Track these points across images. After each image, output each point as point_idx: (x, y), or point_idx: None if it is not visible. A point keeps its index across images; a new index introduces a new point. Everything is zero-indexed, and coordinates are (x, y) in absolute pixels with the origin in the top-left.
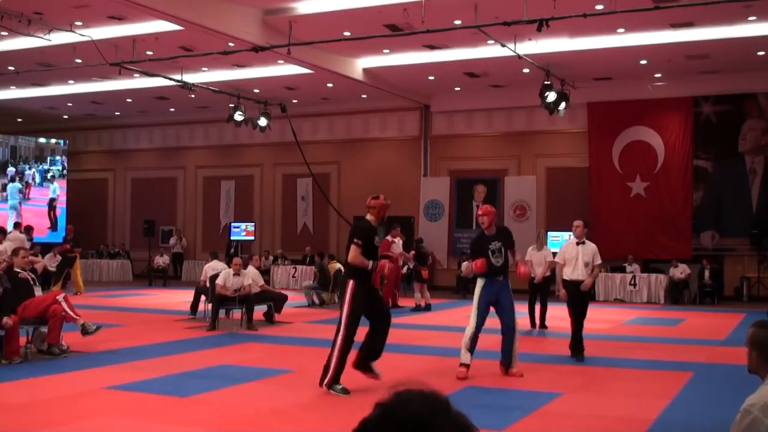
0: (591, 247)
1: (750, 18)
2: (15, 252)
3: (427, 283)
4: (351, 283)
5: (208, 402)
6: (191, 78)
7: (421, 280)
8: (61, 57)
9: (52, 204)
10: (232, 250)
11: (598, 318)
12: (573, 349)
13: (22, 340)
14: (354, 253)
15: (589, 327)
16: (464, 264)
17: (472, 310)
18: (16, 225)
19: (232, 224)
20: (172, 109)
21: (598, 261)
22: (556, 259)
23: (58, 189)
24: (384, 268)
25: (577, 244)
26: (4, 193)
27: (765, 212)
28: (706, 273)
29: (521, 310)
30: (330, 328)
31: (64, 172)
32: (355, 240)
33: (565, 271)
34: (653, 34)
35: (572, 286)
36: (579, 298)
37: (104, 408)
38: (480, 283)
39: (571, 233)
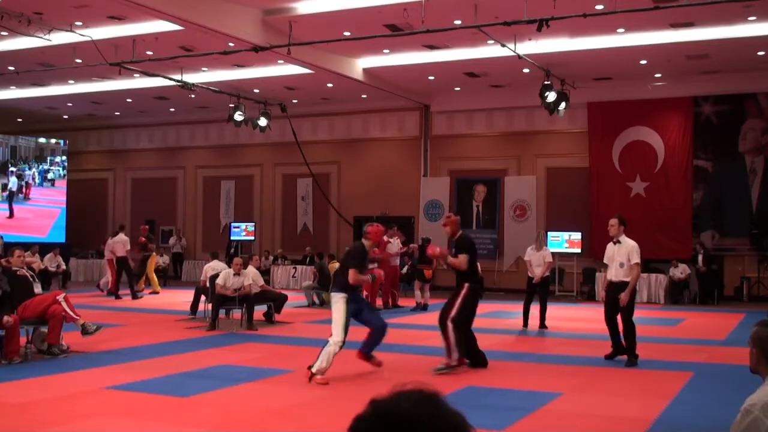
0: (626, 246)
1: (750, 18)
2: (11, 252)
3: (429, 283)
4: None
5: (208, 402)
6: (191, 78)
7: (423, 280)
8: (61, 57)
9: (10, 198)
10: (233, 251)
11: (598, 318)
12: (613, 352)
13: (22, 340)
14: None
15: (590, 327)
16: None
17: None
18: (122, 227)
19: (232, 224)
20: (172, 109)
21: (634, 260)
22: (605, 261)
23: (15, 180)
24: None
25: (614, 243)
26: (4, 194)
27: (765, 212)
28: (700, 257)
29: (517, 309)
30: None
31: (64, 172)
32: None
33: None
34: (653, 34)
35: (609, 288)
36: (613, 302)
37: (104, 408)
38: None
39: (570, 233)
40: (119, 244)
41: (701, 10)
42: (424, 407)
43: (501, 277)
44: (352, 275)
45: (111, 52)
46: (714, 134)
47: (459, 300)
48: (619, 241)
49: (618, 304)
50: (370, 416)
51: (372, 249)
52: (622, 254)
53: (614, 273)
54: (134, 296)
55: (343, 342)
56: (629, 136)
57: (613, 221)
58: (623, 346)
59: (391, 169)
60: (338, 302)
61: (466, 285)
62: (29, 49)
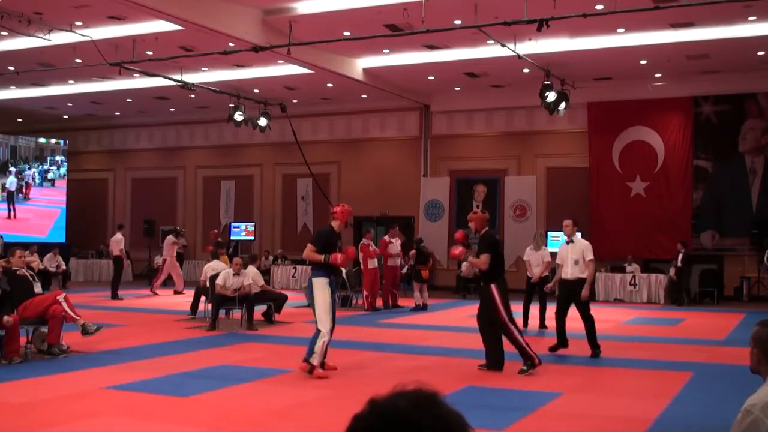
0: (580, 245)
1: (750, 18)
2: (11, 252)
3: (427, 283)
4: (493, 286)
5: (208, 402)
6: (191, 78)
7: (420, 280)
8: (61, 57)
9: (10, 198)
10: (231, 250)
11: (598, 318)
12: (556, 346)
13: (22, 340)
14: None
15: None
16: (464, 264)
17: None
18: (120, 227)
19: (232, 224)
20: (172, 109)
21: (589, 257)
22: (557, 261)
23: (13, 179)
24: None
25: (567, 243)
26: (3, 193)
27: (765, 212)
28: (680, 256)
29: (516, 309)
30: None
31: (63, 171)
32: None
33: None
34: (653, 34)
35: (562, 285)
36: (567, 299)
37: (104, 408)
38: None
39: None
40: (114, 243)
41: (701, 10)
42: (422, 407)
43: None
44: (307, 250)
45: (111, 52)
46: (714, 134)
47: (496, 304)
48: (572, 241)
49: (570, 300)
50: (369, 415)
51: (341, 229)
52: (576, 252)
53: (570, 271)
54: (114, 296)
55: (333, 329)
56: (629, 136)
57: (568, 222)
58: (567, 342)
59: (391, 169)
60: (322, 288)
61: (493, 286)
62: (29, 49)
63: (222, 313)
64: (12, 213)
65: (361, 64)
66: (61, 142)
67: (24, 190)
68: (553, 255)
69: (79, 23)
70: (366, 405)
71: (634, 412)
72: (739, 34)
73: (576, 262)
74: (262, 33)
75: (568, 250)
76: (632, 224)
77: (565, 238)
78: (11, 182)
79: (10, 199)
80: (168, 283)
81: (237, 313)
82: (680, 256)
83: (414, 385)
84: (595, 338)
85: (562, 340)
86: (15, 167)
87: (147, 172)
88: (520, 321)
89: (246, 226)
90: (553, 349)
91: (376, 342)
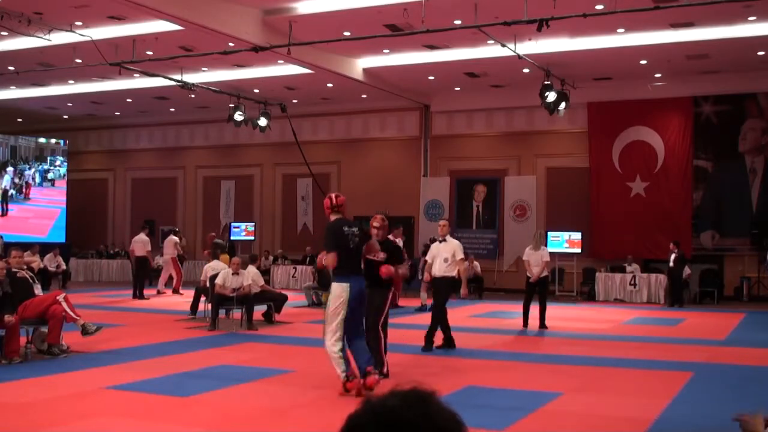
0: (452, 244)
1: (750, 18)
2: (9, 253)
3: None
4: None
5: (208, 402)
6: (191, 78)
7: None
8: (61, 57)
9: (4, 197)
10: (226, 250)
11: (598, 318)
12: (426, 341)
13: (22, 340)
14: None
15: (590, 327)
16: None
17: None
18: (143, 227)
19: (232, 224)
20: (172, 109)
21: (459, 256)
22: (427, 259)
23: (8, 178)
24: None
25: (440, 242)
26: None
27: (765, 212)
28: (673, 256)
29: (517, 309)
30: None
31: (63, 171)
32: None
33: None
34: (653, 34)
35: (435, 282)
36: (435, 294)
37: (104, 408)
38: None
39: (570, 233)
40: (138, 243)
41: (701, 10)
42: (415, 406)
43: (501, 277)
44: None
45: (111, 52)
46: (714, 134)
47: (385, 309)
48: (444, 240)
49: (442, 295)
50: (362, 414)
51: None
52: (447, 251)
53: (437, 268)
54: (140, 295)
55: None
56: (629, 136)
57: (444, 222)
58: (452, 337)
59: (391, 169)
60: None
61: (392, 290)
62: (29, 49)
63: (222, 313)
64: (5, 212)
65: (361, 64)
66: (61, 142)
67: (24, 190)
68: (554, 255)
69: (79, 23)
70: (360, 404)
71: (634, 412)
72: (739, 34)
73: (446, 260)
74: (262, 33)
75: (439, 249)
76: (632, 224)
77: (440, 237)
78: (6, 181)
79: (5, 197)
80: (168, 283)
81: (237, 313)
82: (673, 257)
83: (411, 384)
84: (433, 334)
85: (448, 339)
86: (14, 167)
87: (147, 172)
88: (520, 321)
89: (246, 226)
90: (438, 347)
91: None
